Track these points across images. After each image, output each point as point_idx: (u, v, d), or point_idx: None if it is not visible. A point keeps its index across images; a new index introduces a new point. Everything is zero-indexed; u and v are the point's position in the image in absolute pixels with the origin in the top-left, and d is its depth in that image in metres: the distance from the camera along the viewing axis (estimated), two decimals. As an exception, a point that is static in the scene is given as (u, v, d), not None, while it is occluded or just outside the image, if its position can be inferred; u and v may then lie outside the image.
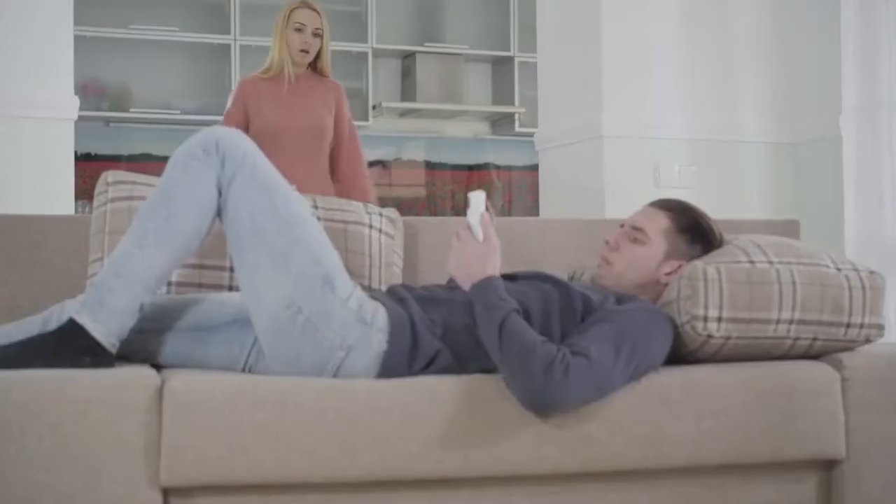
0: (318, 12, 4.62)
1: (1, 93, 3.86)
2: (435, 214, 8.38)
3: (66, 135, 3.91)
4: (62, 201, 3.86)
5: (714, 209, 4.59)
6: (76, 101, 3.96)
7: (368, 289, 2.83)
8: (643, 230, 2.85)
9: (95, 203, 3.00)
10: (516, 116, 8.35)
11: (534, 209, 8.30)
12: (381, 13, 8.13)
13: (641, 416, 2.57)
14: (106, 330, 2.50)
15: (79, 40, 7.31)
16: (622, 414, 2.56)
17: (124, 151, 7.68)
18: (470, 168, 8.55)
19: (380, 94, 8.20)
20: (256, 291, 2.56)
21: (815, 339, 2.77)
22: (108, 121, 7.62)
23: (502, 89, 8.51)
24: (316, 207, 3.06)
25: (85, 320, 2.50)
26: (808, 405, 2.69)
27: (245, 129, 4.52)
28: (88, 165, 7.55)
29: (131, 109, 7.57)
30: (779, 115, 4.84)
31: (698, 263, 2.74)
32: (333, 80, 4.71)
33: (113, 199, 2.96)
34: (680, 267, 2.82)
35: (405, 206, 8.28)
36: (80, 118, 7.25)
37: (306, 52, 4.59)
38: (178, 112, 7.63)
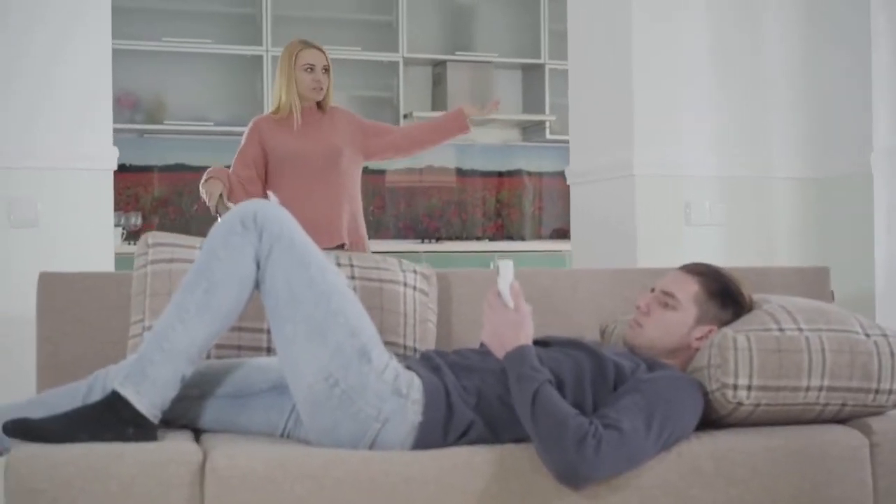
0: (323, 51, 4.75)
1: (40, 145, 3.92)
2: (465, 221, 8.43)
3: (105, 185, 3.96)
4: (103, 253, 3.92)
5: (744, 246, 4.68)
6: (115, 152, 4.01)
7: (403, 357, 2.90)
8: (674, 296, 2.89)
9: (136, 264, 3.06)
10: (547, 124, 8.37)
11: (564, 215, 8.34)
12: (411, 22, 8.17)
13: (672, 485, 2.62)
14: (149, 402, 2.57)
15: (113, 53, 7.41)
16: (653, 483, 2.61)
17: (159, 162, 7.76)
18: (500, 174, 8.59)
19: (411, 103, 8.24)
20: (294, 363, 2.62)
21: (844, 404, 2.81)
22: (142, 132, 7.70)
23: (533, 97, 8.54)
24: (352, 266, 3.11)
25: (128, 392, 2.56)
26: (837, 470, 2.73)
27: (261, 164, 4.67)
28: (124, 177, 7.62)
29: (165, 121, 7.65)
30: (810, 152, 4.84)
31: (728, 332, 2.78)
32: (337, 107, 4.81)
33: (153, 262, 3.02)
34: (711, 332, 2.86)
35: (436, 213, 8.34)
36: (115, 130, 7.41)
37: (319, 89, 4.70)
38: (212, 123, 7.70)
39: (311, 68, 4.68)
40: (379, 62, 8.11)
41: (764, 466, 2.68)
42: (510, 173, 8.60)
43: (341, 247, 4.65)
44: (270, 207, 2.68)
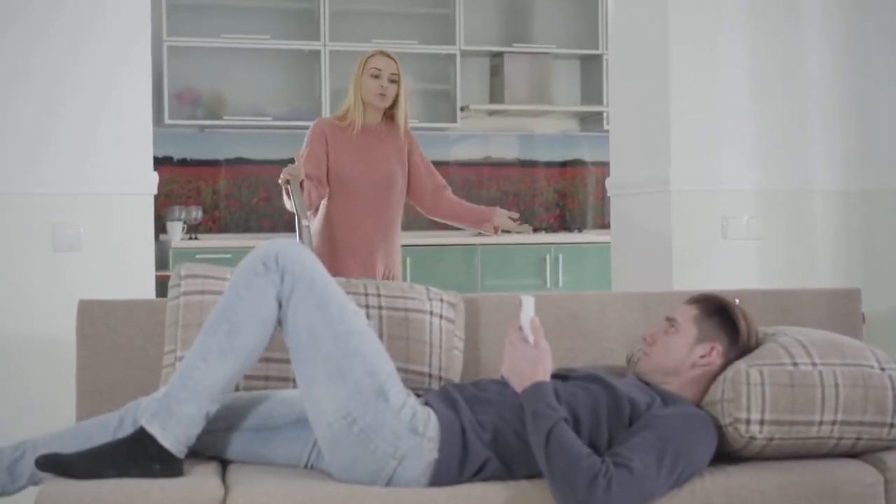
0: (394, 60, 4.69)
1: (82, 172, 4.01)
2: (524, 212, 8.46)
3: (146, 209, 4.05)
4: (145, 277, 4.01)
5: (782, 260, 4.67)
6: (155, 177, 4.10)
7: (423, 390, 2.97)
8: (676, 321, 2.98)
9: (169, 295, 3.15)
10: (605, 115, 8.36)
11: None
12: (468, 14, 8.20)
13: (684, 522, 2.67)
14: (174, 438, 2.67)
15: (173, 50, 7.57)
16: (665, 520, 2.65)
17: (219, 156, 7.88)
18: (560, 164, 8.61)
19: (468, 95, 8.28)
20: (314, 400, 2.71)
21: (858, 438, 2.84)
22: (202, 127, 7.83)
23: (591, 88, 8.54)
24: (379, 295, 3.17)
25: (155, 429, 2.66)
26: (851, 507, 2.76)
27: (325, 166, 4.58)
28: (185, 171, 7.80)
29: (225, 117, 7.77)
30: (850, 164, 4.80)
31: (742, 366, 2.82)
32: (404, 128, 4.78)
33: (185, 293, 3.11)
34: (713, 349, 2.92)
35: (494, 204, 8.35)
36: (176, 125, 7.57)
37: (383, 95, 4.66)
38: (270, 118, 7.80)
39: (378, 74, 4.65)
40: (436, 55, 8.15)
41: (776, 503, 2.72)
42: (569, 163, 8.62)
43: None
44: (292, 248, 2.76)
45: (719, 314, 2.98)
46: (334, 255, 4.54)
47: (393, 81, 4.65)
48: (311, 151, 4.60)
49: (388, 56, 4.69)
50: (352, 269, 4.53)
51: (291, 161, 4.42)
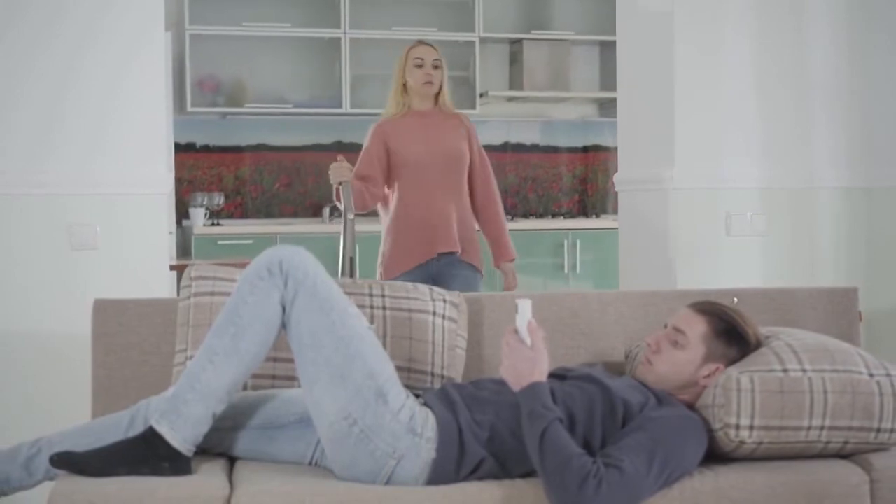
0: (434, 48, 4.88)
1: (99, 172, 4.08)
2: (542, 197, 8.54)
3: (161, 208, 4.12)
4: (159, 275, 4.09)
5: (785, 256, 4.73)
6: (171, 177, 4.18)
7: (423, 390, 3.07)
8: (684, 333, 3.01)
9: (181, 295, 3.25)
10: (622, 101, 8.40)
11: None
12: (488, 1, 8.26)
13: (674, 522, 2.75)
14: (182, 438, 2.77)
15: (195, 38, 7.67)
16: (655, 520, 2.74)
17: (241, 143, 7.99)
18: (578, 150, 8.67)
19: (488, 82, 8.34)
20: (316, 402, 2.81)
21: (846, 442, 2.92)
22: (224, 114, 7.92)
23: (610, 73, 8.56)
24: (383, 296, 3.27)
25: (163, 429, 2.77)
26: (838, 507, 2.84)
27: (385, 163, 4.76)
28: (207, 157, 7.91)
29: (246, 104, 7.86)
30: (854, 161, 4.84)
31: (733, 372, 2.89)
32: (460, 114, 4.96)
33: (196, 294, 3.21)
34: (718, 370, 2.97)
35: (513, 190, 8.45)
36: (198, 112, 7.67)
37: (430, 83, 4.82)
38: (291, 105, 7.89)
39: (422, 63, 4.82)
40: (455, 42, 8.21)
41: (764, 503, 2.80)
42: (589, 149, 8.68)
43: (452, 254, 4.77)
44: (296, 254, 2.85)
45: (728, 335, 3.01)
46: (412, 235, 4.74)
47: (436, 68, 4.85)
48: (366, 150, 4.80)
49: (429, 45, 4.90)
50: (432, 243, 4.73)
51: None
